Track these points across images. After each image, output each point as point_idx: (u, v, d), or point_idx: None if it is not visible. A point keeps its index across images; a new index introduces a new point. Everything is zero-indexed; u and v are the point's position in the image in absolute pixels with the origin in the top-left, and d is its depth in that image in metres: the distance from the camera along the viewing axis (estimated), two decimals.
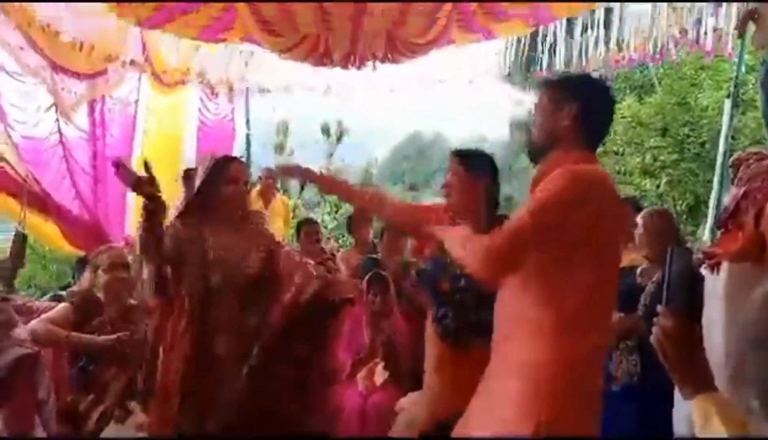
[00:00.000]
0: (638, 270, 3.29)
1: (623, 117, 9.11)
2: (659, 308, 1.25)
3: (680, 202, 8.62)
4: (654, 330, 1.25)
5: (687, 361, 1.24)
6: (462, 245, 1.85)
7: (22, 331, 2.81)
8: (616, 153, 9.35)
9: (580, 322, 1.77)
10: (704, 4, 5.30)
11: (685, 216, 8.64)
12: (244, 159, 7.50)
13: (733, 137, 6.11)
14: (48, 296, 3.98)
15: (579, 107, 1.85)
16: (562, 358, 1.74)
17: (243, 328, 2.55)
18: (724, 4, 5.10)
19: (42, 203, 5.36)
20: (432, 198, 13.03)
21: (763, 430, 1.16)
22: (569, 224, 1.73)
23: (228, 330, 2.52)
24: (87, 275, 3.81)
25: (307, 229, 4.81)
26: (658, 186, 8.66)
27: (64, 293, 3.94)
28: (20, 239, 3.19)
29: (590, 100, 1.88)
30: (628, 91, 10.29)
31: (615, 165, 9.30)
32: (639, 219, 3.18)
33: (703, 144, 8.36)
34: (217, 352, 2.51)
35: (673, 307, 1.24)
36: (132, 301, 3.31)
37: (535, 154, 1.96)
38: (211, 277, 2.54)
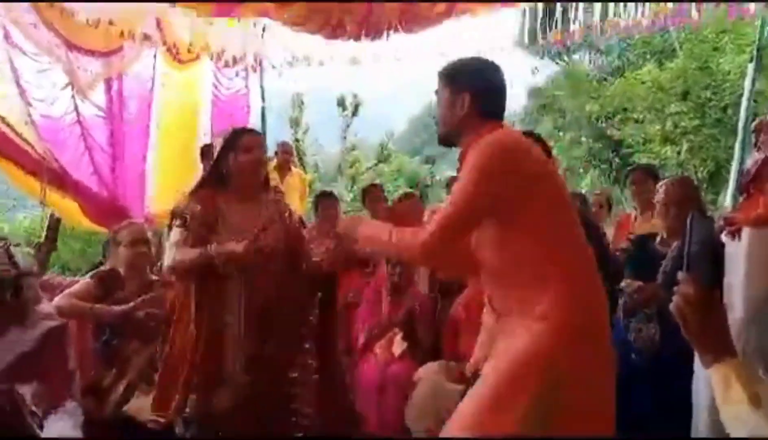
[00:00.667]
0: (658, 238, 3.26)
1: (643, 83, 8.97)
2: (680, 275, 1.24)
3: (701, 169, 8.51)
4: (675, 297, 1.24)
5: (707, 328, 1.23)
6: (397, 244, 1.99)
7: (46, 306, 2.87)
8: (636, 121, 9.23)
9: (563, 263, 1.87)
10: None
11: (706, 183, 8.53)
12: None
13: (755, 101, 6.00)
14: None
15: (471, 95, 2.03)
16: (558, 304, 1.81)
17: (254, 303, 2.52)
18: None
19: (61, 180, 5.42)
20: (449, 169, 12.98)
21: None
22: (494, 190, 1.87)
23: (238, 305, 2.51)
24: (114, 251, 3.88)
25: (325, 202, 4.83)
26: (678, 153, 8.55)
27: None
28: (55, 223, 3.23)
29: (479, 85, 2.05)
30: (648, 56, 10.13)
31: (636, 133, 9.20)
32: (659, 188, 3.14)
33: (724, 109, 8.21)
34: (227, 328, 2.49)
35: (694, 274, 1.23)
36: (153, 276, 3.35)
37: (446, 144, 2.17)
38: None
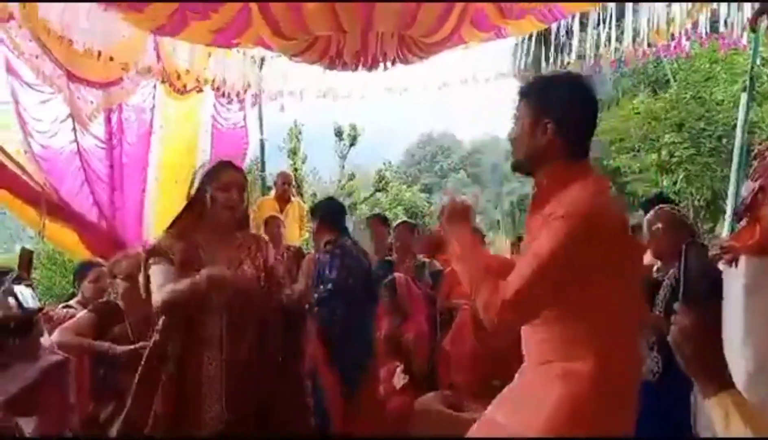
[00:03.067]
0: (655, 267, 3.28)
1: (637, 113, 9.06)
2: (676, 305, 1.25)
3: (698, 197, 8.56)
4: (671, 329, 1.24)
5: (705, 359, 1.22)
6: (478, 292, 1.75)
7: (47, 340, 2.85)
8: (632, 150, 9.30)
9: (611, 330, 1.75)
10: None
11: (703, 212, 8.58)
12: (258, 163, 7.57)
13: (749, 131, 6.06)
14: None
15: (555, 122, 1.80)
16: (598, 365, 1.71)
17: (234, 344, 2.46)
18: None
19: (61, 211, 5.42)
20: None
21: None
22: (581, 259, 1.69)
23: (218, 346, 2.45)
24: (86, 284, 3.87)
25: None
26: (675, 182, 8.61)
27: (72, 302, 3.95)
28: (27, 257, 3.19)
29: (567, 110, 1.82)
30: (642, 86, 10.25)
31: (631, 162, 9.27)
32: (650, 215, 3.16)
33: (719, 138, 8.29)
34: (206, 370, 2.44)
35: (689, 304, 1.23)
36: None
37: (521, 171, 1.94)
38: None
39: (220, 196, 2.52)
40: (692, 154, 8.37)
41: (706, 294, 1.23)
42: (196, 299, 2.38)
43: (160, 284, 2.39)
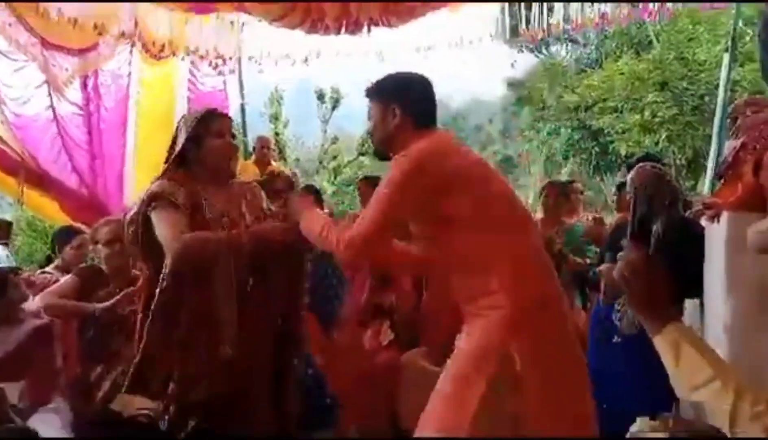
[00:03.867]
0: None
1: (621, 73, 9.05)
2: (623, 242, 1.25)
3: (680, 156, 8.63)
4: (618, 264, 1.24)
5: (651, 294, 1.22)
6: (324, 239, 2.08)
7: (32, 304, 2.84)
8: (615, 110, 9.32)
9: (505, 255, 1.95)
10: None
11: (684, 170, 8.65)
12: (239, 128, 7.49)
13: (731, 90, 6.08)
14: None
15: (400, 107, 2.12)
16: (510, 294, 1.90)
17: (242, 292, 2.33)
18: None
19: (39, 179, 5.37)
20: None
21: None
22: (408, 199, 1.98)
23: (228, 295, 2.30)
24: (67, 250, 3.83)
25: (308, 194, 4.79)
26: (657, 142, 8.65)
27: (48, 268, 3.91)
28: (6, 226, 3.14)
29: (408, 95, 2.14)
30: (625, 47, 10.21)
31: (614, 122, 9.29)
32: (631, 174, 3.17)
33: (701, 98, 8.32)
34: (217, 315, 2.30)
35: (637, 240, 1.23)
36: (136, 271, 3.31)
37: (384, 157, 2.22)
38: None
39: (216, 143, 2.44)
40: (675, 114, 8.39)
41: (650, 230, 1.23)
42: (230, 254, 2.27)
43: (173, 231, 2.25)
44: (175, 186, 2.35)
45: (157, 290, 2.28)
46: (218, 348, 2.29)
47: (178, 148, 2.44)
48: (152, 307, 2.28)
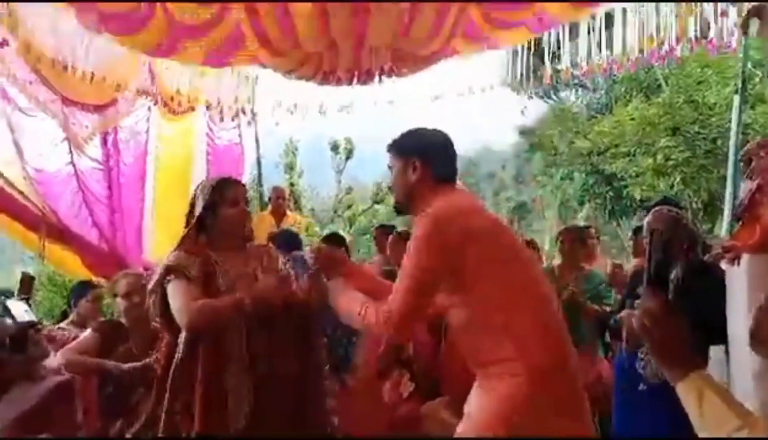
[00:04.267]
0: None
1: (632, 119, 9.10)
2: (640, 290, 1.24)
3: (695, 199, 8.58)
4: (637, 313, 1.23)
5: (673, 342, 1.21)
6: (364, 321, 2.05)
7: (53, 360, 2.86)
8: (628, 155, 9.33)
9: (520, 321, 1.91)
10: (706, 3, 5.29)
11: (701, 213, 8.60)
12: (255, 180, 7.59)
13: (743, 133, 6.09)
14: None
15: (420, 162, 2.12)
16: (525, 360, 1.86)
17: (254, 354, 2.44)
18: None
19: (60, 233, 5.44)
20: None
21: None
22: (436, 263, 1.95)
23: (239, 359, 2.42)
24: (83, 304, 3.87)
25: (329, 244, 4.81)
26: (671, 186, 8.63)
27: (63, 324, 3.93)
28: (28, 281, 3.17)
29: (429, 149, 2.16)
30: (634, 92, 10.29)
31: (627, 166, 9.29)
32: (648, 218, 3.17)
33: (714, 141, 8.33)
34: (228, 382, 2.41)
35: (655, 288, 1.22)
36: (156, 324, 3.32)
37: (404, 212, 2.26)
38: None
39: (230, 211, 2.53)
40: (688, 157, 8.39)
41: (672, 277, 1.22)
42: (238, 317, 2.39)
43: (184, 302, 2.37)
44: (189, 258, 2.47)
45: (174, 362, 2.43)
46: (229, 416, 2.37)
47: (195, 216, 2.55)
48: (170, 379, 2.41)
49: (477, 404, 1.99)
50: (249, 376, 2.42)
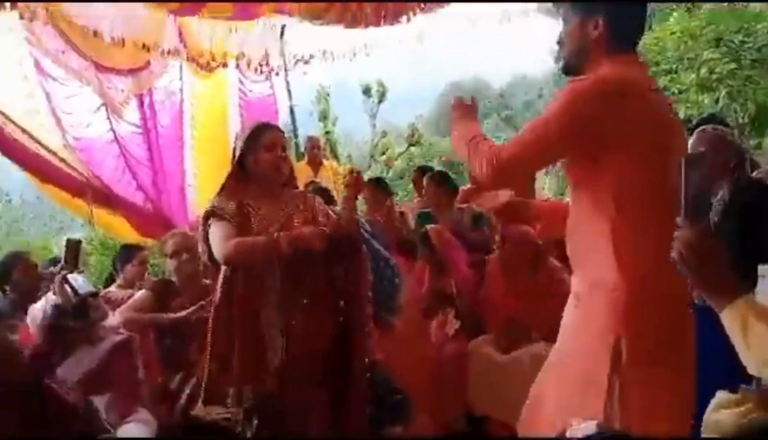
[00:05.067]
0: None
1: (672, 33, 8.71)
2: (678, 220, 1.22)
3: (742, 114, 8.25)
4: (675, 243, 1.21)
5: (713, 270, 1.20)
6: (473, 143, 1.89)
7: (111, 320, 2.98)
8: (669, 71, 8.97)
9: (638, 232, 1.73)
10: None
11: (747, 129, 8.28)
12: (290, 130, 7.60)
13: None
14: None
15: (606, 18, 1.84)
16: (627, 275, 1.71)
17: (288, 299, 2.53)
18: None
19: (106, 198, 5.58)
20: None
21: None
22: (580, 137, 1.75)
23: (274, 302, 2.51)
24: (129, 268, 3.98)
25: (371, 190, 4.86)
26: (717, 101, 8.29)
27: (111, 287, 4.06)
28: (74, 246, 3.25)
29: (614, 9, 1.86)
30: (675, 5, 9.82)
31: (670, 84, 8.96)
32: (692, 139, 3.07)
33: (759, 50, 7.93)
34: (262, 323, 2.51)
35: (691, 218, 1.20)
36: (207, 281, 3.42)
37: (569, 70, 1.97)
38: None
39: (265, 156, 2.57)
40: (733, 69, 8.01)
41: (707, 207, 1.20)
42: (269, 256, 2.47)
43: (224, 238, 2.47)
44: (224, 201, 2.56)
45: (213, 304, 2.53)
46: (266, 354, 2.47)
47: (233, 163, 2.62)
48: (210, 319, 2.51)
49: (572, 314, 1.89)
50: (283, 316, 2.50)
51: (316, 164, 6.57)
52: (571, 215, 1.91)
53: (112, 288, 4.00)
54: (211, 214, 2.55)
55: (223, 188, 2.63)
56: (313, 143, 6.84)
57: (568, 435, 1.29)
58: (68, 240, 3.28)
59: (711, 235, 1.19)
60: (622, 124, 1.73)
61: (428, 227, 4.08)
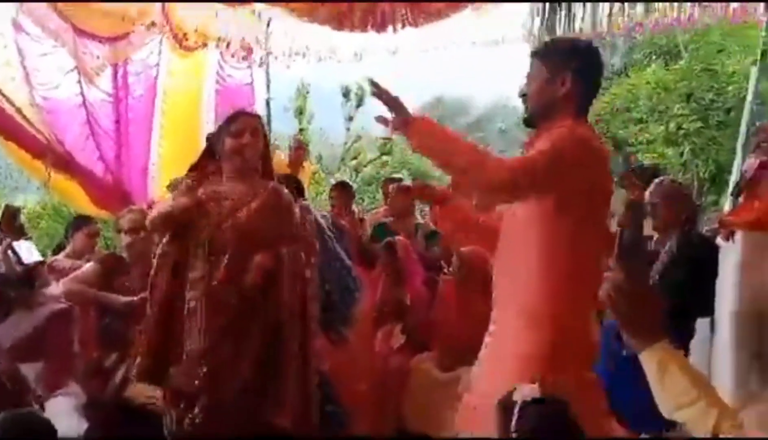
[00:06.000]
0: (654, 238, 3.30)
1: (648, 83, 8.97)
2: (611, 263, 1.28)
3: (703, 170, 8.52)
4: (604, 285, 1.27)
5: (638, 313, 1.24)
6: (472, 154, 1.91)
7: (54, 289, 2.91)
8: (640, 121, 9.23)
9: (575, 276, 1.88)
10: None
11: (708, 185, 8.55)
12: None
13: (758, 104, 6.00)
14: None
15: (572, 77, 1.96)
16: (558, 312, 1.86)
17: (227, 286, 2.51)
18: None
19: (66, 164, 5.45)
20: None
21: (760, 392, 1.17)
22: (565, 178, 1.86)
23: (208, 287, 2.50)
24: (79, 236, 3.93)
25: (340, 192, 4.85)
26: (681, 154, 8.55)
27: (59, 256, 4.00)
28: (10, 214, 3.16)
29: (582, 69, 1.99)
30: (653, 56, 10.10)
31: (638, 133, 9.20)
32: (650, 189, 3.17)
33: (728, 111, 8.22)
34: (186, 301, 2.51)
35: (623, 262, 1.27)
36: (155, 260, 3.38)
37: (532, 121, 2.08)
38: (201, 227, 2.53)
39: (229, 142, 2.61)
40: (700, 127, 8.29)
41: (638, 253, 1.26)
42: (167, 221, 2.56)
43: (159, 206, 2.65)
44: (186, 178, 2.65)
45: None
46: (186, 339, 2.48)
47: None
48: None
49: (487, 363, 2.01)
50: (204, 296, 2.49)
51: (296, 165, 6.47)
52: (512, 250, 2.01)
53: (60, 256, 3.93)
54: (169, 188, 2.63)
55: (192, 166, 2.70)
56: (297, 144, 6.74)
57: (514, 397, 1.42)
58: (6, 207, 3.19)
59: (640, 279, 1.25)
60: (593, 174, 1.91)
61: (397, 238, 4.11)
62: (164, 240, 2.60)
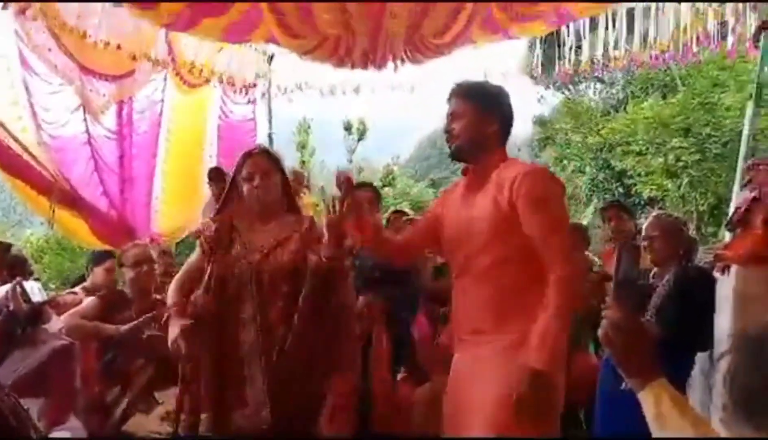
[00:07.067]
0: (652, 272, 3.32)
1: (645, 117, 9.06)
2: (607, 301, 1.30)
3: (702, 202, 8.57)
4: (602, 323, 1.29)
5: (636, 352, 1.27)
6: (559, 315, 1.95)
7: (55, 324, 2.94)
8: (639, 153, 9.31)
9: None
10: (727, 4, 5.27)
11: (706, 217, 8.58)
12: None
13: (755, 138, 6.05)
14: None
15: (500, 116, 2.20)
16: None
17: (265, 321, 2.50)
18: (747, 6, 5.06)
19: (71, 200, 5.51)
20: None
21: (738, 429, 1.19)
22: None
23: (250, 324, 2.50)
24: (99, 271, 3.96)
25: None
26: (679, 186, 8.61)
27: (77, 288, 4.04)
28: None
29: (505, 108, 2.23)
30: (650, 90, 10.23)
31: (637, 165, 9.28)
32: (647, 223, 3.21)
33: (725, 144, 8.28)
34: (240, 346, 2.49)
35: (620, 300, 1.29)
36: (157, 296, 3.42)
37: (460, 158, 2.25)
38: (235, 269, 2.54)
39: (245, 187, 2.64)
40: (698, 159, 8.36)
41: (635, 292, 1.29)
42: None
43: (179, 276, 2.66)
44: (209, 225, 2.67)
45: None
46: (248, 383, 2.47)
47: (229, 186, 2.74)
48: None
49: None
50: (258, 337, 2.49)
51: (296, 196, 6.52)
52: (492, 284, 2.09)
53: (77, 289, 3.96)
54: (196, 234, 2.73)
55: (217, 211, 2.75)
56: (297, 176, 6.82)
57: None
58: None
59: (637, 318, 1.27)
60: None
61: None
62: (198, 295, 2.56)
